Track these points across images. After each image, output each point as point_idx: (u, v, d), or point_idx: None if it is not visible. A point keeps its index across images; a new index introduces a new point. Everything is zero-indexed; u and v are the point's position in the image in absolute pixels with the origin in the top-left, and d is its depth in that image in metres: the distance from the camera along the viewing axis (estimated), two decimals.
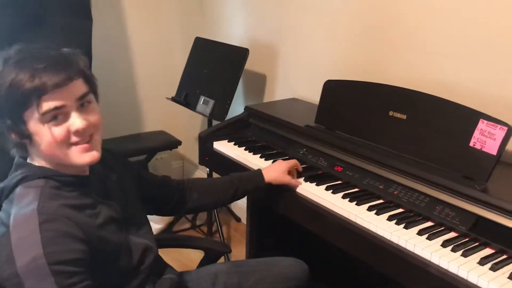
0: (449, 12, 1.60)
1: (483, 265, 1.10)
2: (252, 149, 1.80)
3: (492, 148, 1.27)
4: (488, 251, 1.17)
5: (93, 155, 1.04)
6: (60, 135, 0.99)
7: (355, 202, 1.38)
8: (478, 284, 1.05)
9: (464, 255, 1.13)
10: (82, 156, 1.02)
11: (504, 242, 1.17)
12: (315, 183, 1.51)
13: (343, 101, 1.67)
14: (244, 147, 1.83)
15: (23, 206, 0.96)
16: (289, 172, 1.54)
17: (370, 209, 1.35)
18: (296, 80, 2.29)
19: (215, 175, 2.49)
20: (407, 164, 1.41)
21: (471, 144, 1.31)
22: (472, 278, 1.07)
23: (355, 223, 1.32)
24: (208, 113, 2.33)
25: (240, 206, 2.84)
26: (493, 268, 1.09)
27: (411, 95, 1.48)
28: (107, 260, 1.05)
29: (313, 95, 2.04)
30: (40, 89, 0.95)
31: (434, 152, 1.40)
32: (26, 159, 1.07)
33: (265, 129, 1.89)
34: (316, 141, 1.69)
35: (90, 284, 0.95)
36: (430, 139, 1.41)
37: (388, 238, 1.24)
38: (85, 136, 1.02)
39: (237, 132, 1.97)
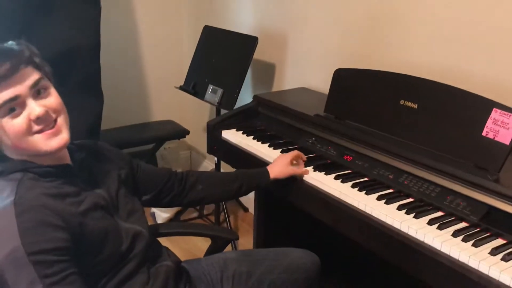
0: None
1: (494, 255, 1.09)
2: (261, 138, 1.79)
3: (505, 137, 1.25)
4: (499, 241, 1.15)
5: (61, 138, 1.03)
6: (22, 126, 0.98)
7: (364, 192, 1.37)
8: (490, 274, 1.04)
9: (475, 245, 1.12)
10: (50, 142, 1.01)
11: None
12: (324, 172, 1.50)
13: (353, 90, 1.65)
14: (252, 136, 1.82)
15: (1, 200, 0.95)
16: (294, 163, 1.53)
17: (379, 198, 1.33)
18: (305, 69, 2.27)
19: (222, 164, 2.49)
20: (418, 153, 1.39)
21: (483, 133, 1.29)
22: (483, 268, 1.05)
23: (365, 212, 1.31)
24: (216, 102, 2.31)
25: (248, 196, 2.83)
26: (505, 259, 1.07)
27: (422, 84, 1.46)
28: (94, 246, 1.04)
29: (323, 84, 2.02)
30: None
31: (445, 142, 1.38)
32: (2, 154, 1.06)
33: (274, 118, 1.88)
34: (325, 130, 1.67)
35: (74, 272, 0.94)
36: (442, 129, 1.39)
37: (398, 227, 1.22)
38: (48, 122, 1.01)
39: (246, 121, 1.96)
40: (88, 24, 2.15)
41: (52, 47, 2.04)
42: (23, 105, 0.98)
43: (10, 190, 0.96)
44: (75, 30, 2.12)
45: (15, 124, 0.97)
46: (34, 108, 0.98)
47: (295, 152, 1.55)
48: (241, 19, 2.63)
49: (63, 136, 1.03)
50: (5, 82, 0.95)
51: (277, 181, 1.51)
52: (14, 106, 0.97)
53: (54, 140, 1.02)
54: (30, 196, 0.96)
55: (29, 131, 0.99)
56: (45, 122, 1.00)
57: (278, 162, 1.52)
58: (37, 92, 1.01)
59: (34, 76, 1.00)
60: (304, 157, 1.58)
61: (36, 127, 0.99)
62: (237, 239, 1.53)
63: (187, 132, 2.84)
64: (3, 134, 0.99)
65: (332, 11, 2.05)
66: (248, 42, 2.23)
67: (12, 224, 0.90)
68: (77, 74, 2.14)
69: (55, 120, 1.02)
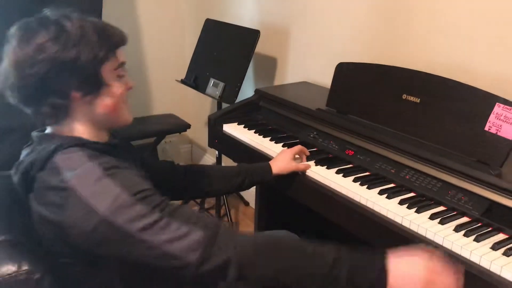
0: None
1: (496, 250, 1.08)
2: (262, 132, 1.79)
3: (508, 132, 1.24)
4: (501, 236, 1.15)
5: (132, 117, 1.12)
6: (124, 89, 1.06)
7: (366, 186, 1.37)
8: (491, 269, 1.04)
9: (477, 240, 1.12)
10: (130, 115, 1.10)
11: None
12: (325, 167, 1.50)
13: (356, 84, 1.65)
14: (254, 130, 1.81)
15: (76, 167, 0.94)
16: (296, 157, 1.53)
17: (381, 192, 1.33)
18: (307, 63, 2.26)
19: (224, 158, 2.49)
20: (420, 148, 1.39)
21: (486, 128, 1.29)
22: (484, 263, 1.05)
23: (366, 206, 1.31)
24: (217, 96, 2.31)
25: (249, 189, 2.83)
26: (507, 253, 1.07)
27: (425, 78, 1.45)
28: None
29: (325, 78, 2.02)
30: (119, 39, 1.03)
31: (448, 136, 1.37)
32: (44, 133, 1.07)
33: (275, 112, 1.88)
34: (327, 125, 1.67)
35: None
36: (444, 123, 1.38)
37: (400, 222, 1.22)
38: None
39: (247, 115, 1.96)
40: (89, 16, 2.15)
41: None
42: (124, 76, 1.07)
43: (79, 160, 0.96)
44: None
45: (121, 85, 1.05)
46: (130, 80, 1.08)
47: (298, 147, 1.55)
48: (243, 12, 2.62)
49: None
50: (120, 48, 1.04)
51: (279, 175, 1.50)
52: (122, 72, 1.05)
53: (131, 114, 1.11)
54: (104, 160, 0.98)
55: (124, 97, 1.07)
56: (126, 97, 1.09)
57: (280, 158, 1.51)
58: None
59: None
60: (307, 152, 1.57)
61: (125, 97, 1.08)
62: None
63: (188, 126, 2.84)
64: (110, 92, 1.03)
65: (335, 5, 2.04)
66: (250, 36, 2.22)
67: (104, 178, 0.92)
68: None
69: None
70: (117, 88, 1.04)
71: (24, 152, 1.07)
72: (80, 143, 1.00)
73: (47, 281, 0.97)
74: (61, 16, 0.99)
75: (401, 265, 0.92)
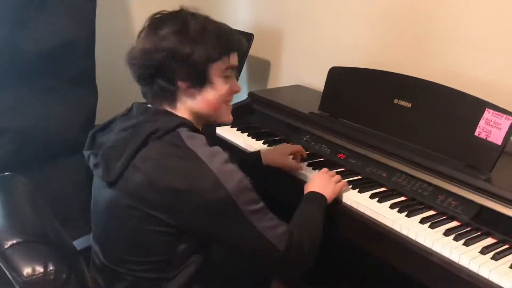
0: (455, 1, 1.58)
1: (484, 254, 1.10)
2: (255, 135, 1.79)
3: (497, 138, 1.26)
4: (490, 240, 1.16)
5: (232, 117, 1.20)
6: (228, 90, 1.13)
7: (357, 190, 1.38)
8: (480, 273, 1.05)
9: (466, 244, 1.13)
10: (229, 115, 1.19)
11: (507, 232, 1.17)
12: (317, 170, 1.50)
13: (348, 89, 1.66)
14: (247, 133, 1.82)
15: (202, 145, 1.05)
16: (293, 157, 1.54)
17: (372, 196, 1.34)
18: (300, 66, 2.27)
19: None
20: (411, 152, 1.40)
21: (476, 133, 1.30)
22: (473, 267, 1.07)
23: (357, 210, 1.32)
24: None
25: None
26: (495, 258, 1.08)
27: (416, 83, 1.47)
28: None
29: (318, 82, 2.03)
30: (236, 44, 1.13)
31: (438, 141, 1.39)
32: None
33: (268, 116, 1.88)
34: (319, 128, 1.68)
35: None
36: (435, 128, 1.40)
37: (390, 226, 1.23)
38: (232, 98, 1.18)
39: (241, 118, 1.96)
40: (83, 18, 2.14)
41: (46, 40, 2.03)
42: (232, 77, 1.15)
43: (204, 142, 1.06)
44: (69, 24, 2.10)
45: (226, 87, 1.12)
46: (237, 84, 1.17)
47: (297, 146, 1.56)
48: (236, 16, 2.63)
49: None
50: (237, 53, 1.14)
51: (270, 177, 1.51)
52: (230, 74, 1.13)
53: (231, 115, 1.19)
54: None
55: (225, 98, 1.14)
56: (232, 99, 1.18)
57: (275, 150, 1.53)
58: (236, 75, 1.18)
59: None
60: (305, 154, 1.58)
61: (230, 98, 1.17)
62: None
63: None
64: (212, 89, 1.11)
65: (328, 9, 2.06)
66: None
67: (229, 162, 1.04)
68: (72, 68, 2.13)
69: None
70: (220, 87, 1.12)
71: (121, 122, 1.13)
72: (197, 129, 1.12)
73: (73, 280, 0.98)
74: (189, 13, 1.11)
75: (314, 184, 1.34)
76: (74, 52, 2.11)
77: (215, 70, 1.10)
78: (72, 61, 2.11)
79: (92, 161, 1.12)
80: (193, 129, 1.10)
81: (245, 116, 1.97)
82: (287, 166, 1.51)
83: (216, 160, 1.02)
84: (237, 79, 1.17)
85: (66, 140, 2.06)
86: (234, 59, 1.14)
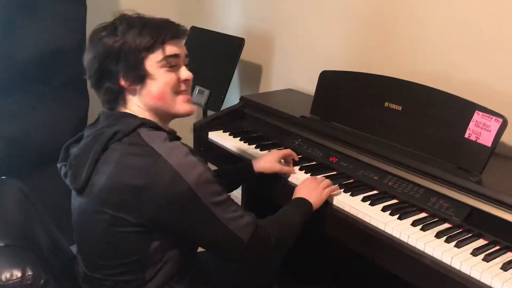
0: (443, 3, 1.59)
1: (476, 256, 1.11)
2: (248, 140, 1.79)
3: (487, 139, 1.27)
4: (481, 242, 1.17)
5: (192, 107, 1.19)
6: (173, 80, 1.12)
7: (349, 193, 1.38)
8: (471, 275, 1.06)
9: (458, 246, 1.14)
10: (185, 105, 1.17)
11: (497, 233, 1.18)
12: (309, 174, 1.51)
13: (339, 92, 1.67)
14: (239, 138, 1.82)
15: (162, 141, 1.06)
16: (285, 161, 1.54)
17: (364, 199, 1.34)
18: (292, 70, 2.28)
19: (209, 166, 2.49)
20: (402, 155, 1.41)
21: (466, 135, 1.31)
22: (465, 269, 1.07)
23: (349, 213, 1.32)
24: (203, 103, 2.31)
25: (235, 196, 2.83)
26: (486, 259, 1.09)
27: (406, 86, 1.48)
28: None
29: (309, 86, 2.04)
30: (169, 33, 1.11)
31: (429, 143, 1.40)
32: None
33: (260, 120, 1.89)
34: (311, 132, 1.68)
35: None
36: (426, 130, 1.41)
37: (382, 228, 1.24)
38: (188, 87, 1.18)
39: (233, 122, 1.96)
40: (74, 24, 2.14)
41: (37, 46, 2.03)
42: (177, 67, 1.14)
43: (164, 138, 1.07)
44: (60, 29, 2.10)
45: (170, 76, 1.12)
46: (185, 71, 1.16)
47: (287, 151, 1.57)
48: (228, 20, 2.63)
49: (194, 106, 1.20)
50: (177, 41, 1.13)
51: (263, 181, 1.51)
52: (173, 63, 1.12)
53: (189, 105, 1.18)
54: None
55: (175, 88, 1.14)
56: (187, 86, 1.17)
57: (266, 157, 1.53)
58: (185, 64, 1.17)
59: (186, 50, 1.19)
60: (296, 157, 1.59)
61: (182, 87, 1.15)
62: None
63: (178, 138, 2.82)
64: (154, 82, 1.11)
65: (319, 13, 2.06)
66: (235, 43, 2.23)
67: (189, 156, 1.05)
68: (63, 73, 2.12)
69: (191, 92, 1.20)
70: (162, 78, 1.11)
71: (88, 131, 1.14)
72: (159, 127, 1.13)
73: (51, 286, 0.98)
74: (121, 16, 1.13)
75: (302, 191, 1.37)
76: (65, 58, 2.10)
77: (151, 61, 1.10)
78: (63, 67, 2.11)
79: (62, 172, 1.14)
80: (156, 127, 1.12)
81: (237, 121, 1.97)
82: (279, 171, 1.51)
83: (174, 153, 1.03)
84: (188, 67, 1.18)
85: (58, 146, 2.04)
86: (171, 48, 1.12)
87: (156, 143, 1.05)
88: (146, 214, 1.03)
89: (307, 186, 1.37)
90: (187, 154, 1.05)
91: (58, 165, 1.17)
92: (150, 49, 1.09)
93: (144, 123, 1.10)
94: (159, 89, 1.11)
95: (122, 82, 1.10)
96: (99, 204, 1.05)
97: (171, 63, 1.12)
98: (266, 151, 1.69)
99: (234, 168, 1.51)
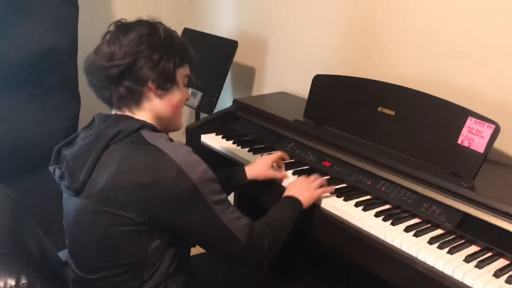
0: (436, 9, 1.60)
1: (468, 262, 1.11)
2: (240, 143, 1.79)
3: (479, 145, 1.27)
4: (473, 248, 1.17)
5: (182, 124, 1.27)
6: (188, 95, 1.23)
7: (342, 198, 1.38)
8: (464, 282, 1.06)
9: (450, 252, 1.14)
10: (181, 121, 1.25)
11: (490, 239, 1.18)
12: None
13: (332, 96, 1.67)
14: (232, 141, 1.81)
15: (165, 141, 1.08)
16: (277, 164, 1.54)
17: (357, 204, 1.34)
18: (285, 73, 2.27)
19: None
20: (395, 160, 1.41)
21: (459, 141, 1.31)
22: (457, 276, 1.07)
23: (342, 218, 1.32)
24: (196, 106, 2.30)
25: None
26: (479, 266, 1.09)
27: (400, 91, 1.48)
28: None
29: (303, 89, 2.04)
30: (193, 57, 1.21)
31: (422, 149, 1.40)
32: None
33: (253, 123, 1.88)
34: (304, 136, 1.68)
35: None
36: (419, 136, 1.41)
37: (375, 234, 1.23)
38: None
39: (225, 125, 1.96)
40: (65, 24, 2.12)
41: (28, 47, 2.01)
42: (185, 86, 1.22)
43: (166, 139, 1.10)
44: (51, 31, 2.08)
45: (186, 92, 1.22)
46: (188, 92, 1.24)
47: (277, 154, 1.56)
48: (221, 23, 2.63)
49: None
50: (191, 64, 1.21)
51: (256, 185, 1.50)
52: (186, 83, 1.21)
53: (182, 123, 1.26)
54: None
55: (183, 103, 1.22)
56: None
57: (258, 164, 1.52)
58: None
59: None
60: (287, 157, 1.59)
61: (183, 104, 1.23)
62: None
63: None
64: (176, 92, 1.17)
65: (312, 17, 2.06)
66: (228, 46, 2.22)
67: (192, 154, 1.07)
68: (54, 74, 2.11)
69: None
70: (183, 91, 1.20)
71: (84, 132, 1.15)
72: (159, 130, 1.15)
73: None
74: (155, 21, 1.17)
75: (293, 189, 1.39)
76: (56, 59, 2.09)
77: (179, 75, 1.17)
78: (54, 68, 2.09)
79: (57, 174, 1.12)
80: (155, 130, 1.14)
81: (230, 124, 1.96)
82: (272, 177, 1.51)
83: (179, 151, 1.05)
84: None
85: (48, 149, 2.02)
86: (188, 70, 1.21)
87: (159, 142, 1.07)
88: (148, 212, 1.03)
89: (299, 185, 1.38)
90: (190, 152, 1.07)
91: (51, 168, 1.15)
92: (182, 62, 1.17)
93: (145, 125, 1.11)
94: (178, 99, 1.18)
95: (150, 85, 1.12)
96: (100, 203, 1.04)
97: (186, 81, 1.21)
98: (259, 155, 1.69)
99: (227, 174, 1.50)
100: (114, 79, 1.10)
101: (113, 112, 1.18)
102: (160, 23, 1.17)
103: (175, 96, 1.17)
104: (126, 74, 1.10)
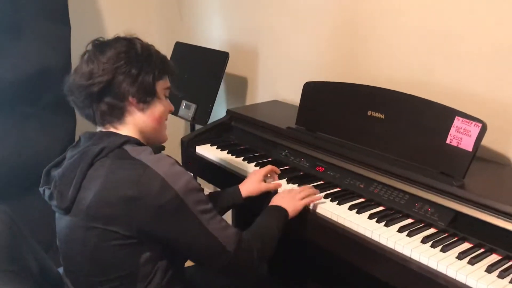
0: (422, 10, 1.63)
1: (461, 259, 1.13)
2: (235, 152, 1.81)
3: (468, 144, 1.30)
4: (466, 245, 1.19)
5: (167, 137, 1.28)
6: (171, 107, 1.26)
7: (336, 202, 1.40)
8: (457, 278, 1.08)
9: (443, 250, 1.16)
10: (166, 134, 1.27)
11: (481, 236, 1.20)
12: (297, 184, 1.52)
13: (323, 103, 1.69)
14: (227, 151, 1.83)
15: (148, 154, 1.09)
16: (268, 176, 1.56)
17: (351, 208, 1.36)
18: (276, 82, 2.30)
19: (198, 180, 2.49)
20: (387, 162, 1.43)
21: (447, 141, 1.34)
22: (451, 273, 1.09)
23: (337, 222, 1.34)
24: (190, 118, 2.33)
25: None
26: (471, 262, 1.11)
27: (388, 95, 1.50)
28: None
29: (294, 96, 2.06)
30: (172, 69, 1.24)
31: (412, 150, 1.42)
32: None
33: (247, 132, 1.90)
34: (297, 143, 1.70)
35: None
36: (408, 138, 1.43)
37: (369, 236, 1.25)
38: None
39: (220, 135, 1.98)
40: (58, 44, 2.15)
41: (22, 67, 2.03)
42: (167, 97, 1.25)
43: (149, 152, 1.10)
44: (44, 50, 2.10)
45: (168, 103, 1.24)
46: (170, 103, 1.26)
47: (268, 167, 1.56)
48: (212, 35, 2.66)
49: None
50: (171, 76, 1.25)
51: (251, 199, 1.51)
52: (167, 94, 1.24)
53: (166, 134, 1.27)
54: None
55: (167, 116, 1.25)
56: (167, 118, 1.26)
57: (250, 180, 1.52)
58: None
59: None
60: (278, 171, 1.59)
61: (167, 116, 1.25)
62: None
63: (162, 148, 2.82)
64: (157, 105, 1.19)
65: (301, 26, 2.10)
66: (220, 58, 2.25)
67: (176, 165, 1.09)
68: (49, 94, 2.12)
69: None
70: (165, 103, 1.22)
71: (71, 152, 1.16)
72: (143, 144, 1.17)
73: None
74: (132, 37, 1.19)
75: (280, 199, 1.39)
76: (50, 78, 2.10)
77: (159, 87, 1.19)
78: (48, 87, 2.11)
79: (47, 194, 1.15)
80: (139, 144, 1.15)
81: (224, 134, 1.99)
82: (266, 190, 1.51)
83: (162, 163, 1.07)
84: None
85: (45, 167, 2.04)
86: (168, 82, 1.24)
87: (142, 156, 1.08)
88: (136, 225, 1.04)
89: (285, 196, 1.40)
90: (173, 164, 1.08)
91: (41, 189, 1.18)
92: (161, 74, 1.19)
93: (128, 140, 1.13)
94: (160, 112, 1.20)
95: (131, 99, 1.14)
96: (88, 220, 1.06)
97: (167, 93, 1.23)
98: (253, 163, 1.71)
99: (222, 195, 1.51)
100: (95, 97, 1.12)
101: (98, 129, 1.19)
102: (138, 38, 1.20)
103: (157, 108, 1.19)
104: (107, 91, 1.12)
